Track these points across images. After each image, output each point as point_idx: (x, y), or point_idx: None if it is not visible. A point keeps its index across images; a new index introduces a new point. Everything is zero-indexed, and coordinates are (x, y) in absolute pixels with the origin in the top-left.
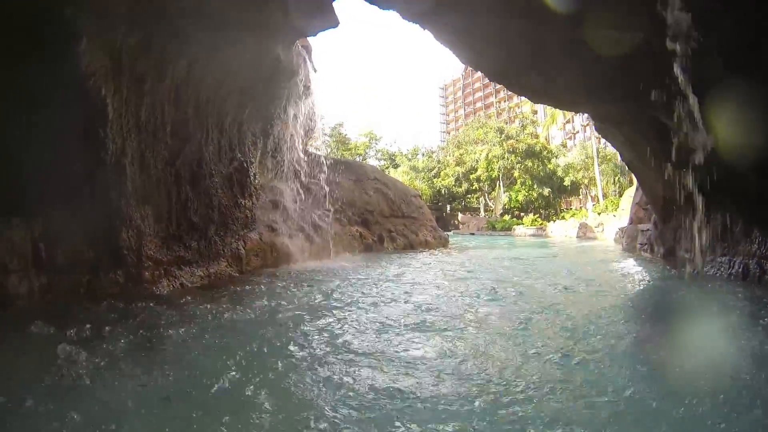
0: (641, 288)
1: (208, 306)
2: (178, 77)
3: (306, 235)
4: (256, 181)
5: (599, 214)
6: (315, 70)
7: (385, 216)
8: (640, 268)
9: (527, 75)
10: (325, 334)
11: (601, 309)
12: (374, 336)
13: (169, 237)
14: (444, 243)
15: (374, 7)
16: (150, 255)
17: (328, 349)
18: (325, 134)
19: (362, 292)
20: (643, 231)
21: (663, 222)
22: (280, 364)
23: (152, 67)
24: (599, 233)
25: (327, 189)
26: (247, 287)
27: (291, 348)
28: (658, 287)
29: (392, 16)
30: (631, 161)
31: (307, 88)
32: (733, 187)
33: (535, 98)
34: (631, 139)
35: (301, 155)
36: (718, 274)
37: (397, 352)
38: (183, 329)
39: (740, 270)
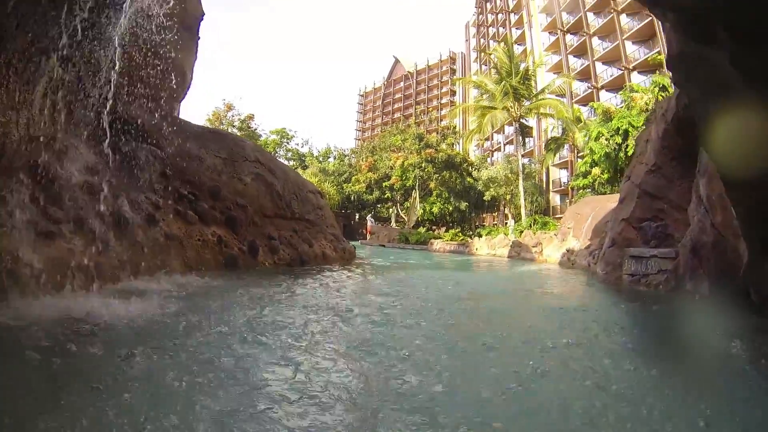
0: None
1: None
2: None
3: (86, 237)
4: None
5: (535, 232)
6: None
7: (267, 215)
8: None
9: None
10: None
11: None
12: None
13: None
14: (348, 258)
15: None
16: None
17: None
18: (234, 126)
19: None
20: (637, 257)
21: (765, 250)
22: None
23: None
24: (537, 254)
25: (167, 162)
26: None
27: None
28: None
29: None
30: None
31: None
32: None
33: None
34: None
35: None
36: None
37: None
38: None
39: None
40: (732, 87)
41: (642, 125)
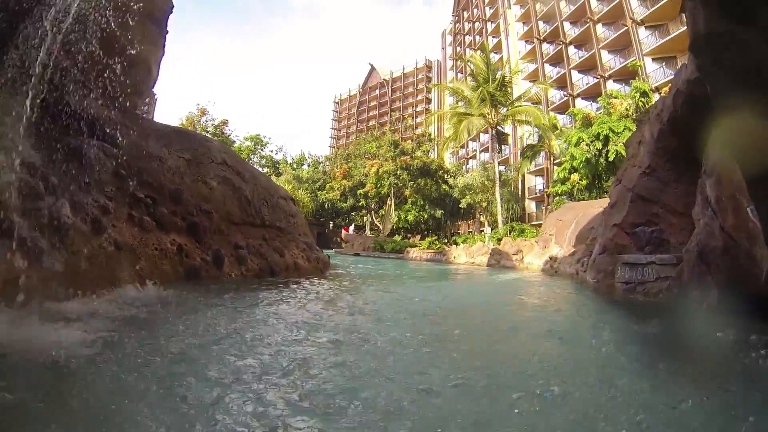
0: None
1: None
2: None
3: (15, 246)
4: None
5: (514, 239)
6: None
7: (234, 222)
8: None
9: None
10: None
11: None
12: None
13: None
14: (322, 268)
15: None
16: None
17: None
18: (207, 132)
19: None
20: (632, 264)
21: None
22: None
23: None
24: (518, 261)
25: (122, 162)
26: None
27: None
28: None
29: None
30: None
31: None
32: None
33: None
34: None
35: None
36: None
37: None
38: None
39: None
40: (766, 73)
41: (622, 131)
